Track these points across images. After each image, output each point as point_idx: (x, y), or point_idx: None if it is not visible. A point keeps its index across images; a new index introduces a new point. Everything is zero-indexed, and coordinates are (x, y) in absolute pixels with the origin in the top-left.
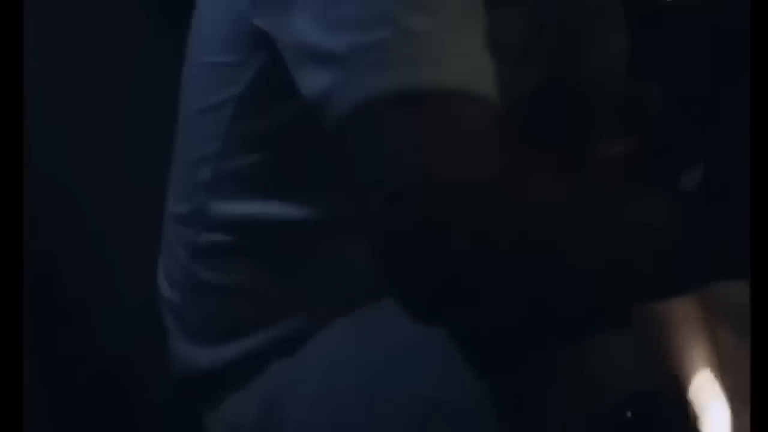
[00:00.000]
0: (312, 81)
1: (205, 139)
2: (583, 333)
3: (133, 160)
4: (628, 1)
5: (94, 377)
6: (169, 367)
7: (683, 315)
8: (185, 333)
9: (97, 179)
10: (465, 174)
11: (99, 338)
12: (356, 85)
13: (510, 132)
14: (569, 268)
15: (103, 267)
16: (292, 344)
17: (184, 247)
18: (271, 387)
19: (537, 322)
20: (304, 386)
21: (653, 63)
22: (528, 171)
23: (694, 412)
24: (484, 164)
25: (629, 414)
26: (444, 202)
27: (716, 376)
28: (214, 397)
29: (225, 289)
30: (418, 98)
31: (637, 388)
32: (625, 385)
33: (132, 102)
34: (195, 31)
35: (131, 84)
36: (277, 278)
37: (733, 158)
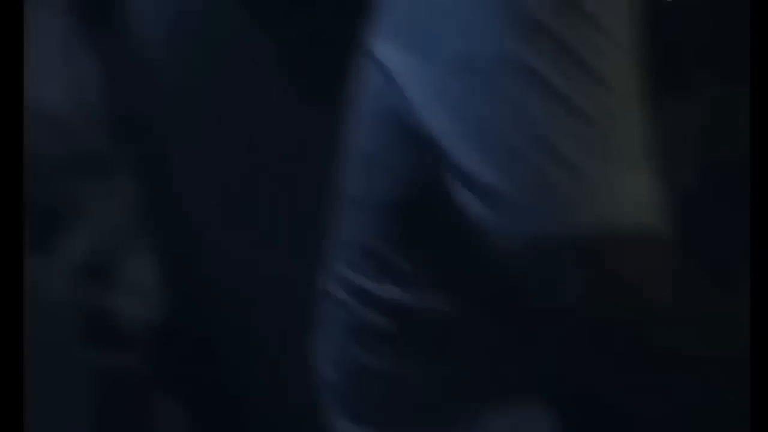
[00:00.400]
0: (470, 207)
1: (361, 227)
2: None
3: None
4: None
5: None
6: None
7: None
8: (344, 412)
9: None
10: (638, 305)
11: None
12: (519, 223)
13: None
14: None
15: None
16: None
17: (341, 329)
18: None
19: None
20: None
21: None
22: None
23: None
24: (655, 293)
25: None
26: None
27: None
28: None
29: (381, 372)
30: (584, 238)
31: None
32: None
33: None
34: (356, 121)
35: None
36: (430, 365)
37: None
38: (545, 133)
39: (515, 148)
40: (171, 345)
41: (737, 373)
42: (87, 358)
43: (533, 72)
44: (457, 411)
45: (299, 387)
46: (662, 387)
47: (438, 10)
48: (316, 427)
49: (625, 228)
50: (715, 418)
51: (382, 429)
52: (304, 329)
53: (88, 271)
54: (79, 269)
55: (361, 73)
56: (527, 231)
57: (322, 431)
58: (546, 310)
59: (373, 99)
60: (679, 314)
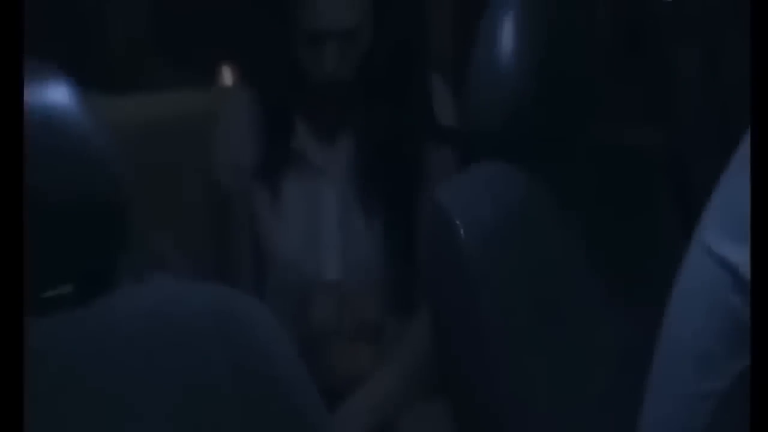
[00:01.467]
0: None
1: (677, 420)
2: None
3: None
4: None
5: None
6: None
7: None
8: None
9: None
10: None
11: None
12: None
13: None
14: None
15: None
16: None
17: None
18: None
19: None
20: None
21: None
22: None
23: None
24: None
25: None
26: None
27: None
28: None
29: None
30: None
31: None
32: None
33: None
34: (674, 322)
35: None
36: None
37: None
38: None
39: None
40: None
41: None
42: None
43: None
44: None
45: None
46: None
47: None
48: None
49: None
50: None
51: None
52: None
53: None
54: None
55: (691, 267)
56: None
57: None
58: None
59: (707, 292)
60: None
